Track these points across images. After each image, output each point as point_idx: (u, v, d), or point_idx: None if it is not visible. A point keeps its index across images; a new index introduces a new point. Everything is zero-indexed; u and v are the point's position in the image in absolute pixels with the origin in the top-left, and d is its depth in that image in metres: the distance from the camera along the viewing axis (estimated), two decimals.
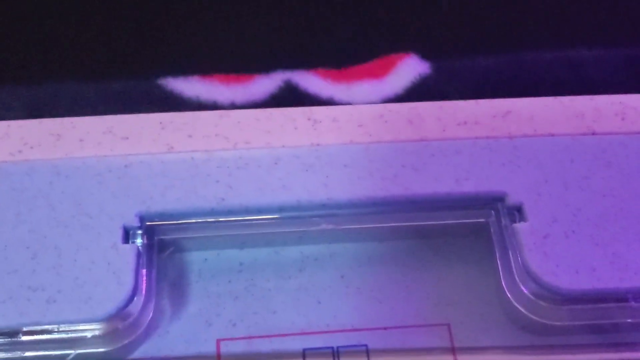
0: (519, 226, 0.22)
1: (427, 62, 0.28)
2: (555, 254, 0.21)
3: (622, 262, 0.21)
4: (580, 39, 0.29)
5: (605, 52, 0.29)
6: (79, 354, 0.21)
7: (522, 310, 0.22)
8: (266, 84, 0.28)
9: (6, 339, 0.20)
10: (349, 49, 0.29)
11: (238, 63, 0.28)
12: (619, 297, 0.21)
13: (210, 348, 0.22)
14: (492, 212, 0.23)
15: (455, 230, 0.24)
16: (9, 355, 0.21)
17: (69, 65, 0.28)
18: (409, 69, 0.28)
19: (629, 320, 0.22)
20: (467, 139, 0.24)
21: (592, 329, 0.22)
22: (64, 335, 0.20)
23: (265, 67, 0.28)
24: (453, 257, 0.24)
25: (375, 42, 0.29)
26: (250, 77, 0.28)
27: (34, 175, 0.22)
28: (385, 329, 0.21)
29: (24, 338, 0.20)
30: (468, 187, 0.23)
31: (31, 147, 0.23)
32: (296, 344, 0.21)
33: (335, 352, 0.21)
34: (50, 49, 0.28)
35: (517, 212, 0.22)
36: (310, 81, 0.28)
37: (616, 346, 0.22)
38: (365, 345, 0.21)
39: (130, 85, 0.27)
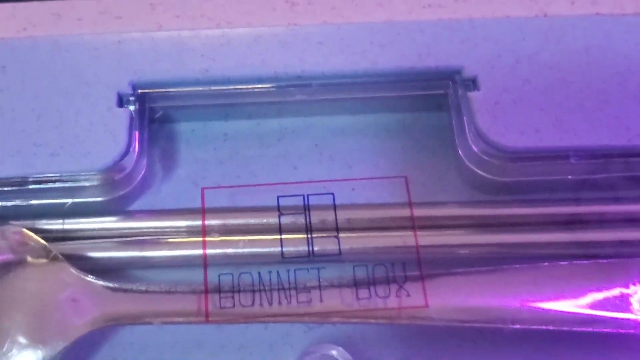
0: (472, 94, 0.24)
1: None
2: (503, 117, 0.24)
3: (563, 125, 0.24)
4: None
5: None
6: (78, 202, 0.23)
7: (474, 168, 0.24)
8: None
9: (15, 188, 0.23)
10: None
11: None
12: (560, 155, 0.24)
13: (197, 204, 0.24)
14: (450, 83, 0.25)
15: (419, 103, 0.26)
16: (17, 202, 0.23)
17: None
18: None
19: (570, 177, 0.24)
20: (430, 20, 0.26)
21: (537, 185, 0.24)
22: (65, 185, 0.23)
23: None
24: (416, 129, 0.26)
25: None
26: None
27: (38, 49, 0.25)
28: (350, 180, 0.24)
29: (31, 187, 0.23)
30: (429, 62, 0.25)
31: (34, 26, 0.26)
32: (272, 194, 0.24)
33: (306, 198, 0.23)
34: None
35: (472, 83, 0.25)
36: None
37: (560, 202, 0.25)
38: (332, 194, 0.23)
39: None
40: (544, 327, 0.22)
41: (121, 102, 0.24)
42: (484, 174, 0.24)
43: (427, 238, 0.23)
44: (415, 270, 0.22)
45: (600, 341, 0.23)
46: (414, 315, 0.22)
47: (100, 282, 0.22)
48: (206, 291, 0.22)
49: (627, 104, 0.24)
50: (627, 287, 0.23)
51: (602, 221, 0.25)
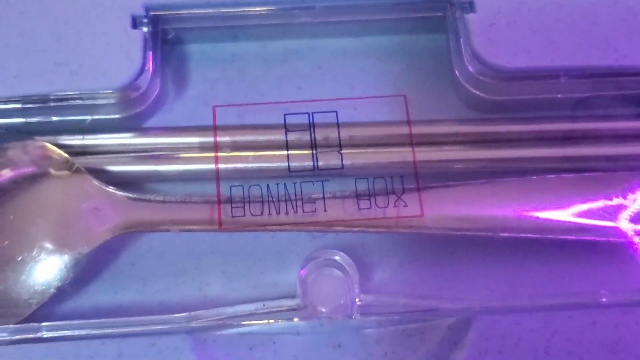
0: (469, 17, 0.26)
1: None
2: (498, 38, 0.25)
3: (554, 46, 0.25)
4: None
5: None
6: (97, 119, 0.25)
7: (469, 87, 0.26)
8: None
9: (37, 105, 0.25)
10: None
11: None
12: (551, 75, 0.25)
13: (208, 121, 0.26)
14: (448, 5, 0.26)
15: (418, 25, 0.27)
16: (40, 119, 0.25)
17: None
18: None
19: (560, 96, 0.26)
20: None
21: (529, 103, 0.26)
22: (84, 102, 0.25)
23: None
24: (415, 50, 0.28)
25: None
26: None
27: None
28: (352, 99, 0.26)
29: (52, 104, 0.25)
30: None
31: None
32: (279, 112, 0.25)
33: (310, 116, 0.25)
34: None
35: (468, 5, 0.26)
36: None
37: (551, 119, 0.26)
38: (335, 112, 0.25)
39: None
40: (532, 235, 0.24)
41: (135, 23, 0.25)
42: (479, 93, 0.26)
43: (424, 153, 0.25)
44: (412, 183, 0.24)
45: (585, 249, 0.25)
46: (411, 224, 0.24)
47: (121, 193, 0.24)
48: (219, 201, 0.24)
49: (615, 26, 0.25)
50: (611, 199, 0.25)
51: (591, 137, 0.26)
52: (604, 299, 0.23)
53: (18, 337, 0.22)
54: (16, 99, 0.25)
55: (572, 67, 0.25)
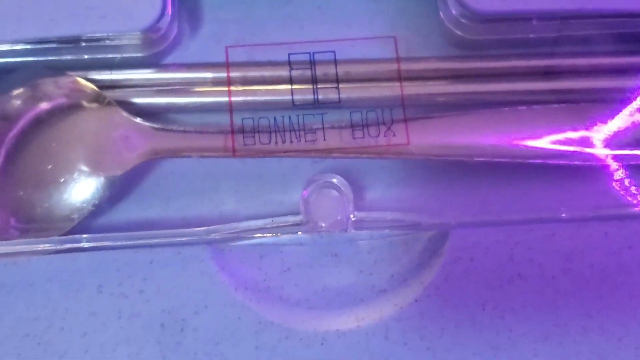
0: None
1: None
2: None
3: None
4: None
5: None
6: (123, 57, 0.28)
7: (453, 28, 0.29)
8: None
9: (70, 45, 0.28)
10: None
11: None
12: (525, 17, 0.28)
13: (220, 58, 0.29)
14: None
15: None
16: (71, 57, 0.28)
17: None
18: None
19: (531, 35, 0.29)
20: None
21: (506, 42, 0.29)
22: (112, 43, 0.28)
23: None
24: None
25: None
26: None
27: None
28: (348, 39, 0.29)
29: (83, 44, 0.28)
30: None
31: None
32: (284, 51, 0.28)
33: (311, 55, 0.28)
34: None
35: None
36: None
37: (530, 55, 0.29)
38: (333, 51, 0.28)
39: None
40: (504, 160, 0.28)
41: None
42: (460, 33, 0.29)
43: (411, 88, 0.28)
44: (400, 115, 0.28)
45: (552, 173, 0.28)
46: (398, 151, 0.27)
47: (147, 123, 0.27)
48: (232, 131, 0.27)
49: None
50: (591, 128, 0.29)
51: (571, 72, 0.30)
52: (563, 215, 0.27)
53: (62, 247, 0.26)
54: (52, 40, 0.28)
55: (543, 10, 0.28)
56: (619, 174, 0.28)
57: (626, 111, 0.29)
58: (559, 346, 0.26)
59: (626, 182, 0.28)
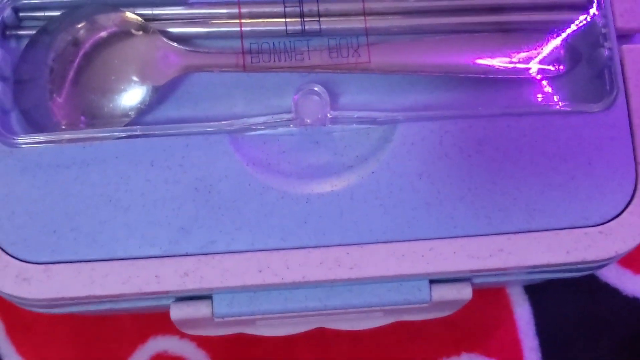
0: None
1: None
2: None
3: None
4: None
5: None
6: None
7: None
8: None
9: None
10: None
11: None
12: None
13: None
14: None
15: None
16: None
17: None
18: None
19: None
20: None
21: None
22: None
23: None
24: None
25: None
26: None
27: None
28: None
29: None
30: None
31: None
32: None
33: None
34: None
35: None
36: None
37: None
38: None
39: None
40: (447, 74, 0.38)
41: None
42: None
43: (374, 21, 0.38)
44: (364, 41, 0.38)
45: (500, 85, 0.38)
46: (363, 67, 0.38)
47: (181, 46, 0.38)
48: (243, 52, 0.37)
49: None
50: (516, 51, 0.39)
51: (514, 8, 0.39)
52: (480, 110, 0.37)
53: (123, 134, 0.37)
54: None
55: None
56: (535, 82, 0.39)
57: (545, 38, 0.39)
58: (471, 204, 0.36)
59: (546, 89, 0.39)
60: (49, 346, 0.46)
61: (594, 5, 0.38)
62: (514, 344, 0.46)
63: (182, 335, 0.46)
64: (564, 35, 0.38)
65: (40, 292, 0.35)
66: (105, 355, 0.46)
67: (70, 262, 0.35)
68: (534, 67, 0.38)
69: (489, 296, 0.47)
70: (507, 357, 0.46)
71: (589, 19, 0.38)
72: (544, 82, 0.38)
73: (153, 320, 0.46)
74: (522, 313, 0.47)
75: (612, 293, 0.46)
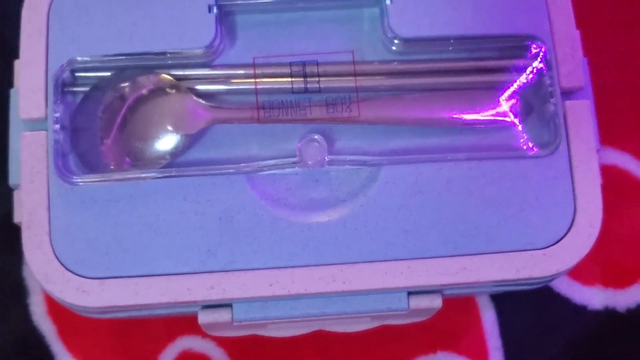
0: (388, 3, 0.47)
1: None
2: (406, 16, 0.47)
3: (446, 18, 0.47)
4: None
5: None
6: (191, 62, 0.47)
7: (388, 44, 0.47)
8: None
9: (160, 56, 0.46)
10: None
11: None
12: (433, 39, 0.47)
13: (248, 61, 0.48)
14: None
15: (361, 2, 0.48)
16: (161, 62, 0.46)
17: None
18: None
19: (444, 49, 0.47)
20: None
21: (426, 50, 0.47)
22: (186, 54, 0.46)
23: None
24: (364, 19, 0.49)
25: None
26: None
27: None
28: (326, 53, 0.48)
29: (168, 55, 0.46)
30: None
31: None
32: (287, 59, 0.47)
33: (303, 62, 0.47)
34: None
35: None
36: None
37: (449, 60, 0.48)
38: (317, 60, 0.47)
39: None
40: (428, 125, 0.46)
41: (210, 9, 0.47)
42: (395, 48, 0.47)
43: (363, 81, 0.46)
44: (355, 98, 0.46)
45: (466, 134, 0.45)
46: (354, 120, 0.45)
47: (207, 103, 0.46)
48: (257, 107, 0.46)
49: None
50: (490, 105, 0.47)
51: (471, 70, 0.46)
52: (449, 156, 0.45)
53: (160, 175, 0.45)
54: (149, 52, 0.45)
55: (443, 35, 0.47)
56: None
57: (504, 94, 0.47)
58: (441, 231, 0.45)
59: (503, 136, 0.47)
60: (93, 345, 0.54)
61: (544, 68, 0.47)
62: (481, 344, 0.54)
63: (204, 336, 0.54)
64: (518, 91, 0.46)
65: (96, 302, 0.43)
66: (141, 352, 0.55)
67: (120, 277, 0.43)
68: (494, 118, 0.47)
69: (460, 304, 0.55)
70: (475, 355, 0.55)
71: (539, 78, 0.47)
72: (502, 130, 0.47)
73: (180, 322, 0.55)
74: (488, 318, 0.55)
75: (563, 302, 0.54)
